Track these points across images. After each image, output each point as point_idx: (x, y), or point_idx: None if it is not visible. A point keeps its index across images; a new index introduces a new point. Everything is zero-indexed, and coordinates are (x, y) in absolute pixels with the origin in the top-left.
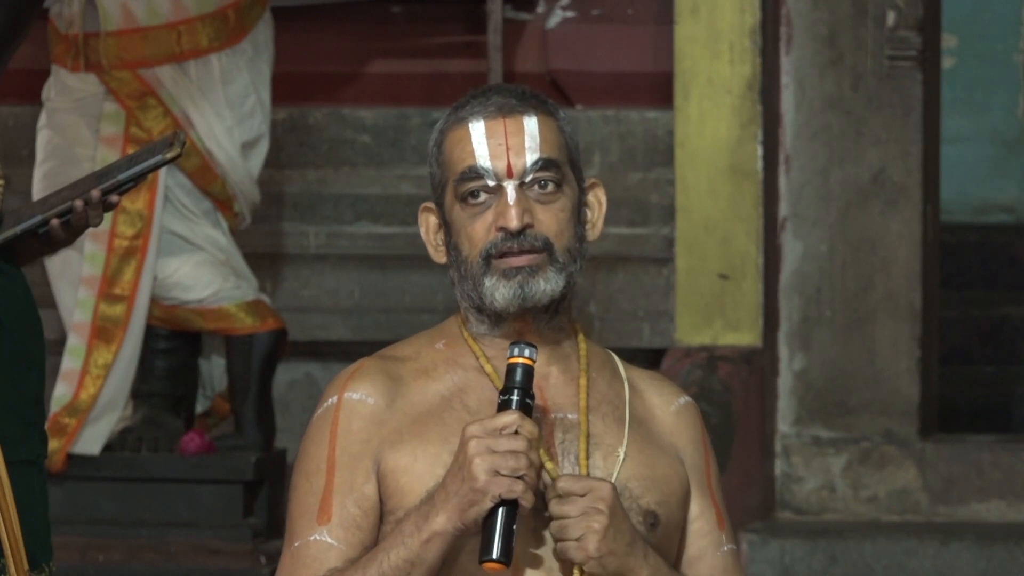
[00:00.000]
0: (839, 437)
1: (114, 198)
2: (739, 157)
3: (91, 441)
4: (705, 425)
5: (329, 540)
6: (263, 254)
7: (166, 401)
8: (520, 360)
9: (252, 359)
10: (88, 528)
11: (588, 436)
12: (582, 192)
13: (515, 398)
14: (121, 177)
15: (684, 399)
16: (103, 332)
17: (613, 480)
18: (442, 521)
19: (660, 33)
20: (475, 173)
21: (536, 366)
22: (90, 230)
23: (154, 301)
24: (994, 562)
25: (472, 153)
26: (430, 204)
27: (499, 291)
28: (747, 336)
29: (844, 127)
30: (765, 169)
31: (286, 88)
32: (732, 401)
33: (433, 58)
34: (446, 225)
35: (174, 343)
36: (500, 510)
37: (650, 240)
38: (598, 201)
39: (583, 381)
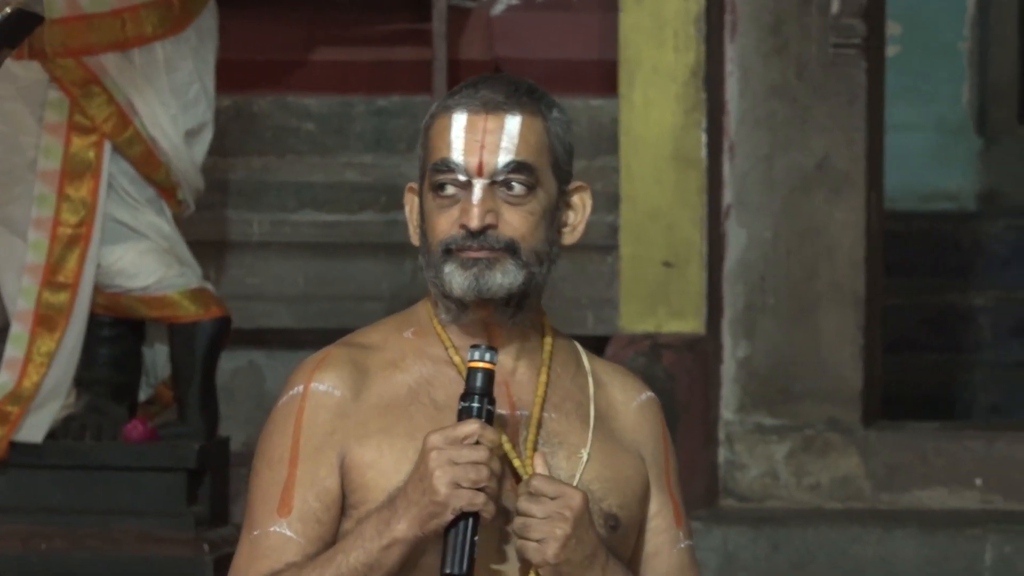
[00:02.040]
0: (782, 425)
1: None
2: (683, 145)
3: (34, 429)
4: (664, 419)
5: (288, 533)
6: (207, 242)
7: (109, 389)
8: (481, 364)
9: (196, 347)
10: (31, 516)
11: (538, 431)
12: (563, 194)
13: (475, 405)
14: None
15: (646, 395)
16: (46, 320)
17: (576, 481)
18: (403, 528)
19: (605, 21)
20: (447, 166)
21: (503, 361)
22: (33, 217)
23: (97, 289)
24: (937, 549)
25: (449, 145)
26: (414, 185)
27: (455, 279)
28: (691, 324)
29: (788, 115)
30: (709, 157)
31: (230, 76)
32: (675, 389)
33: (378, 46)
34: (422, 210)
35: (117, 331)
36: (461, 522)
37: (594, 228)
38: (583, 204)
39: (543, 378)
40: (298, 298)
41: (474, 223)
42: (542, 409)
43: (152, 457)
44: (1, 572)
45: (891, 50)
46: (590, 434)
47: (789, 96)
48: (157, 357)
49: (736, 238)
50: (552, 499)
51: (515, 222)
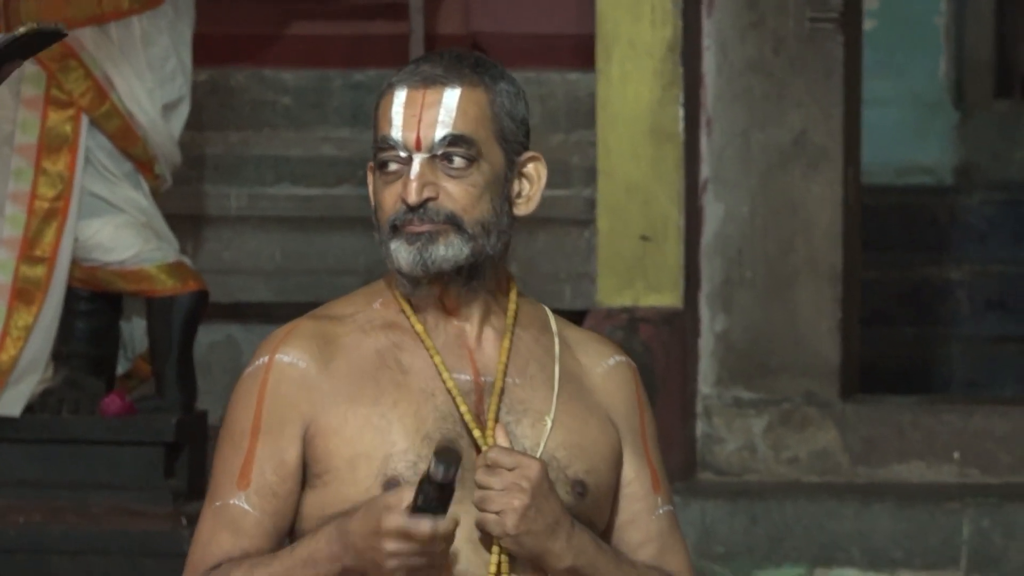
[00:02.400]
0: (760, 398)
1: None
2: (660, 119)
3: (11, 403)
4: (641, 385)
5: (245, 506)
6: (184, 216)
7: (87, 363)
8: (438, 479)
9: (173, 321)
10: (8, 490)
11: (500, 399)
12: (514, 165)
13: (427, 506)
14: None
15: (615, 359)
16: (23, 294)
17: (540, 450)
18: (350, 561)
19: None
20: (387, 143)
21: (466, 329)
22: (11, 191)
23: (75, 263)
24: (914, 523)
25: (389, 122)
26: (371, 162)
27: (401, 255)
28: (668, 298)
29: (765, 89)
30: (686, 131)
31: (207, 50)
32: (653, 363)
33: (355, 20)
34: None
35: (95, 305)
36: None
37: (571, 202)
38: (537, 175)
39: (505, 344)
40: (275, 272)
41: (412, 198)
42: (504, 376)
43: (130, 431)
44: None
45: (868, 24)
46: (554, 399)
47: (766, 71)
48: (135, 331)
49: (713, 212)
50: (510, 470)
51: (456, 195)
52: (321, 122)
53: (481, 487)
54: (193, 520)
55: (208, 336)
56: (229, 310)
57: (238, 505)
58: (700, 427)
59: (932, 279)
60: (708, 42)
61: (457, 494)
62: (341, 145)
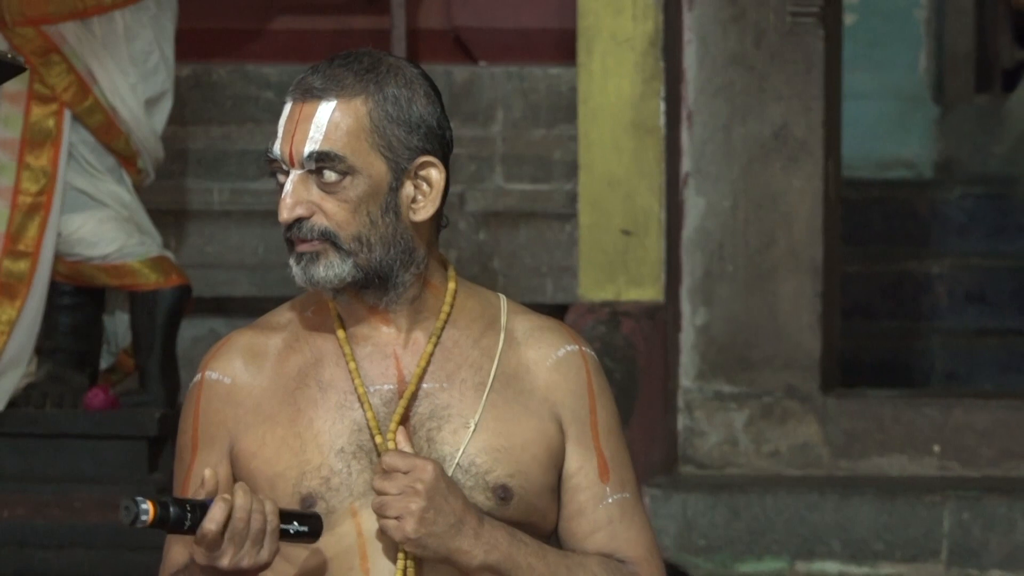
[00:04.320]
0: (741, 392)
1: None
2: (642, 113)
3: None
4: (596, 373)
5: None
6: (167, 210)
7: (70, 357)
8: (147, 523)
9: (156, 315)
10: None
11: (410, 405)
12: (401, 173)
13: (186, 528)
14: None
15: (566, 349)
16: (7, 288)
17: (458, 455)
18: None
19: None
20: (271, 156)
21: (391, 334)
22: None
23: (58, 257)
24: (895, 516)
25: (275, 136)
26: None
27: (295, 271)
28: (650, 291)
29: (746, 83)
30: (668, 125)
31: (190, 44)
32: (635, 356)
33: (337, 14)
34: None
35: (78, 299)
36: (282, 529)
37: (553, 196)
38: (431, 179)
39: (428, 349)
40: (258, 266)
41: (282, 215)
42: (420, 382)
43: (113, 425)
44: None
45: (848, 18)
46: (482, 404)
47: (747, 65)
48: (118, 325)
49: (694, 206)
50: (405, 473)
51: (330, 210)
52: None
53: (379, 493)
54: None
55: (191, 330)
56: (212, 304)
57: None
58: (681, 421)
59: (912, 272)
60: (689, 36)
61: (363, 500)
62: None
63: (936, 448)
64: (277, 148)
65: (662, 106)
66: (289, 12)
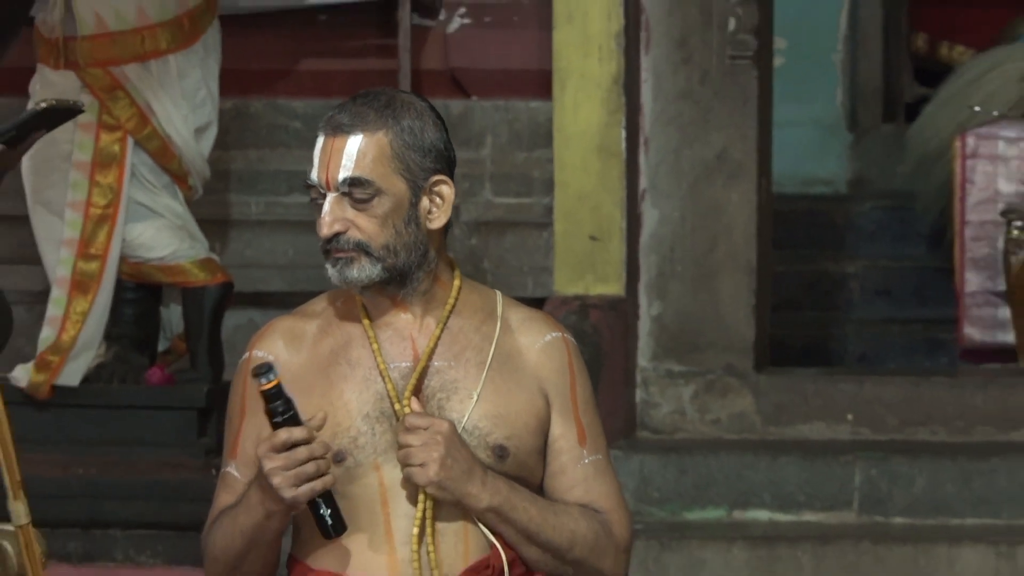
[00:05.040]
0: (689, 370)
1: None
2: (606, 139)
3: (72, 375)
4: (575, 355)
5: (235, 473)
6: (213, 220)
7: (133, 342)
8: (265, 387)
9: (204, 307)
10: (69, 448)
11: (422, 379)
12: (419, 190)
13: (277, 420)
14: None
15: (551, 335)
16: (81, 285)
17: (464, 420)
18: (272, 508)
19: (541, 37)
20: (309, 183)
21: (408, 319)
22: (69, 200)
23: (123, 259)
24: (815, 473)
25: (312, 165)
26: None
27: (330, 272)
28: (613, 287)
29: (693, 114)
30: (628, 150)
31: (231, 82)
32: (601, 341)
33: (353, 57)
34: None
35: (139, 294)
36: (317, 499)
37: (533, 208)
38: (443, 194)
39: (436, 332)
40: (288, 266)
41: (322, 232)
42: (429, 359)
43: (168, 398)
44: (45, 494)
45: (778, 60)
46: (482, 379)
47: (694, 99)
48: (172, 315)
49: (650, 217)
50: (425, 429)
51: (362, 225)
52: None
53: (402, 446)
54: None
55: (233, 319)
56: (250, 298)
57: (231, 472)
58: (639, 394)
59: (830, 272)
60: (646, 75)
61: (385, 456)
62: None
63: (850, 417)
64: (315, 176)
65: (623, 133)
66: (313, 55)
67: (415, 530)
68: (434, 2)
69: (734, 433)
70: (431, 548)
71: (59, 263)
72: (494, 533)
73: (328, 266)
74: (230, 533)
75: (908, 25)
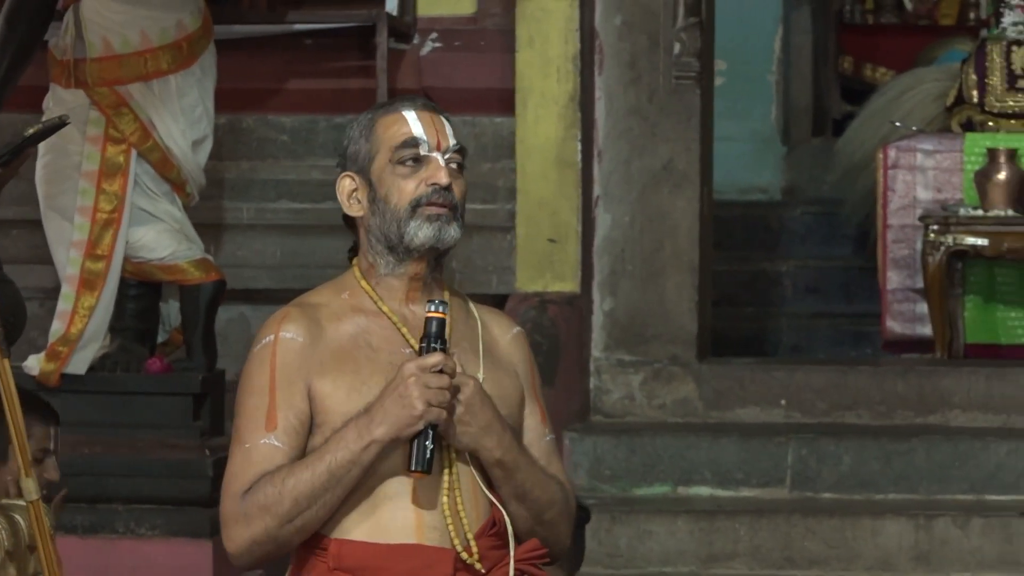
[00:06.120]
0: (638, 360)
1: None
2: (564, 152)
3: (79, 364)
4: (530, 348)
5: (276, 443)
6: (208, 224)
7: (135, 334)
8: (435, 314)
9: (200, 303)
10: (77, 429)
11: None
12: None
13: (436, 346)
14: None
15: (516, 329)
16: (88, 283)
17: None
18: (381, 433)
19: (505, 59)
20: (413, 142)
21: (418, 311)
22: (78, 206)
23: (126, 259)
24: (752, 452)
25: (410, 130)
26: (349, 173)
27: (422, 231)
28: (569, 285)
29: (642, 129)
30: (583, 161)
31: (225, 100)
32: (558, 334)
33: (335, 77)
34: (371, 185)
35: (141, 291)
36: (426, 430)
37: (497, 214)
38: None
39: (447, 320)
40: (276, 266)
41: (444, 180)
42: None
43: (167, 385)
44: None
45: (718, 81)
46: (481, 362)
47: (642, 115)
48: (171, 310)
49: (603, 221)
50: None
51: (458, 189)
52: (311, 154)
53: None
54: (214, 451)
55: (225, 314)
56: (241, 295)
57: (269, 443)
58: (592, 382)
59: (766, 271)
60: (599, 94)
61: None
62: (326, 171)
63: (783, 402)
64: (422, 135)
65: (579, 146)
66: (300, 76)
67: (444, 498)
68: (409, 28)
69: (678, 417)
70: (461, 513)
71: (68, 263)
72: (492, 493)
73: (416, 224)
74: (298, 484)
75: (836, 49)
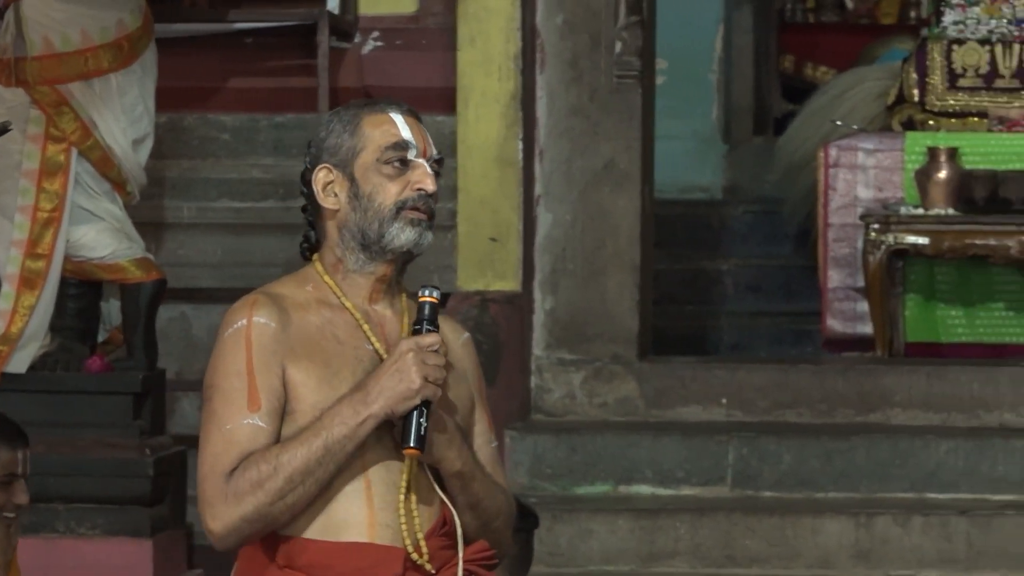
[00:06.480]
0: (579, 359)
1: None
2: (505, 151)
3: (20, 363)
4: (476, 353)
5: (261, 424)
6: (149, 223)
7: (76, 333)
8: (428, 299)
9: (140, 301)
10: None
11: None
12: None
13: (430, 328)
14: None
15: (466, 335)
16: (28, 281)
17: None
18: (378, 407)
19: (446, 58)
20: (404, 145)
21: (379, 311)
22: (19, 205)
23: (67, 258)
24: (693, 451)
25: (399, 132)
26: (326, 165)
27: (404, 233)
28: (511, 284)
29: (583, 128)
30: (524, 159)
31: (166, 98)
32: (499, 332)
33: (276, 76)
34: (353, 180)
35: (82, 289)
36: (420, 407)
37: (439, 212)
38: None
39: (405, 320)
40: (217, 265)
41: (431, 186)
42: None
43: (107, 384)
44: None
45: (660, 80)
46: None
47: (584, 114)
48: (111, 309)
49: (544, 220)
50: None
51: (435, 197)
52: (251, 153)
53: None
54: (155, 450)
55: (166, 313)
56: (182, 293)
57: (252, 423)
58: (533, 380)
59: (707, 269)
60: (540, 93)
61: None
62: (266, 170)
63: (724, 400)
64: (411, 139)
65: (520, 145)
66: (240, 74)
67: (401, 496)
68: (350, 26)
69: (619, 415)
70: (415, 513)
71: (8, 261)
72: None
73: (399, 226)
74: (292, 459)
75: (777, 48)
